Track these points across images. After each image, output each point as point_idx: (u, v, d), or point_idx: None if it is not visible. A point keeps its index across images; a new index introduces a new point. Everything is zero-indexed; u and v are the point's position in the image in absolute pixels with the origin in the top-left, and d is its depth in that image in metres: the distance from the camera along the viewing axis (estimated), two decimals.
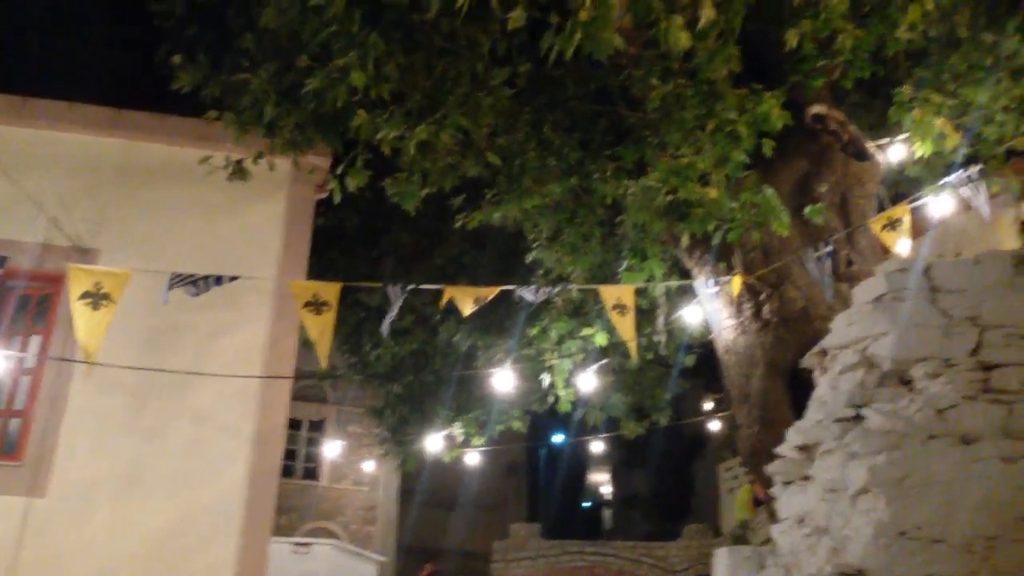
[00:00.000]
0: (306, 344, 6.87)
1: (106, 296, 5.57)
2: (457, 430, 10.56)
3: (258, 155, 6.69)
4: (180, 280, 5.86)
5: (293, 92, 6.23)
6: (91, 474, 6.54)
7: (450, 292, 6.26)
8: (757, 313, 6.45)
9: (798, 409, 5.08)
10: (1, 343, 6.70)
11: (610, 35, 4.32)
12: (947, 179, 5.61)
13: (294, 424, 19.55)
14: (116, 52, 9.74)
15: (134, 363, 6.51)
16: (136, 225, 7.23)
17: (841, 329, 4.50)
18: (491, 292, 6.21)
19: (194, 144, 7.28)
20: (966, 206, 5.90)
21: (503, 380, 7.52)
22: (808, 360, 4.93)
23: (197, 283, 5.89)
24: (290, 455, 19.51)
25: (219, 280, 5.94)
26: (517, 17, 4.58)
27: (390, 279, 9.59)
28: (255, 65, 6.33)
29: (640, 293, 7.33)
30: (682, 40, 4.55)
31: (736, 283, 6.29)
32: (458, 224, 7.53)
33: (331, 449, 18.91)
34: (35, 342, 7.06)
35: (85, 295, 5.54)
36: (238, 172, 6.79)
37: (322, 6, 5.37)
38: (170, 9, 6.89)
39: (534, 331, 8.61)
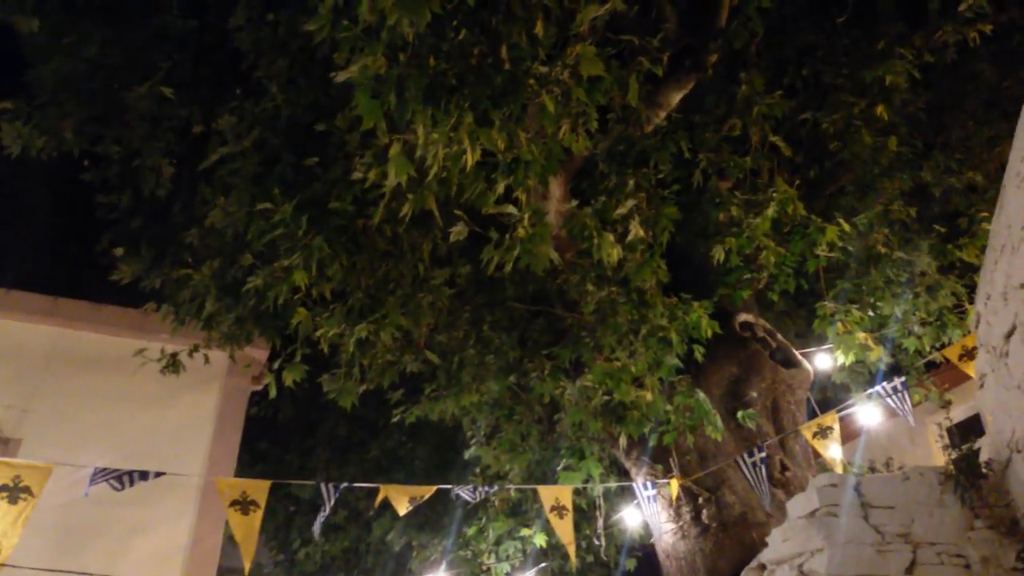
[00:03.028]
0: (231, 539, 6.57)
1: (26, 489, 5.29)
2: None
3: (194, 348, 6.65)
4: (104, 475, 5.63)
5: (234, 287, 6.27)
6: None
7: (386, 491, 6.12)
8: (696, 517, 6.41)
9: None
10: None
11: (546, 250, 4.52)
12: (873, 388, 5.82)
13: None
14: (57, 240, 9.80)
15: (48, 562, 6.12)
16: (63, 414, 7.04)
17: (777, 544, 4.49)
18: (428, 491, 6.09)
19: (130, 335, 7.24)
20: (892, 413, 6.08)
21: None
22: (747, 575, 4.87)
23: (121, 478, 5.66)
24: None
25: (144, 475, 5.73)
26: (459, 231, 4.78)
27: (324, 470, 9.37)
28: (198, 260, 6.40)
29: (579, 493, 7.26)
30: (613, 254, 4.79)
31: (674, 486, 6.28)
32: (396, 419, 7.47)
33: None
34: None
35: (3, 488, 5.26)
36: (172, 365, 6.71)
37: (269, 210, 5.52)
38: (116, 201, 7.02)
39: (471, 531, 8.38)
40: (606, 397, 6.06)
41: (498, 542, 8.14)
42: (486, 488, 6.42)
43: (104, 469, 5.60)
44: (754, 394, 6.57)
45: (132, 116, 6.67)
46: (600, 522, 7.30)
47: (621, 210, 5.60)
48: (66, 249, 9.31)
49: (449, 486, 6.13)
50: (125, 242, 6.87)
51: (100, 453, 6.18)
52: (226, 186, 6.11)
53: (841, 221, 6.02)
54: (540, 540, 7.97)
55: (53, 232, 9.89)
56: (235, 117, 6.04)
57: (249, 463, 7.32)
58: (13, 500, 5.25)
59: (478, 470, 8.05)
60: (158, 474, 5.72)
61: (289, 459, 10.04)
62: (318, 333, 6.02)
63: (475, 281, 6.85)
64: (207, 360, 6.67)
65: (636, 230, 4.79)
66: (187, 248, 6.50)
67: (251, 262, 6.04)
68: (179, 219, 6.87)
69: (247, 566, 5.69)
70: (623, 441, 6.45)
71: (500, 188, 4.67)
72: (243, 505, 5.63)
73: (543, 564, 8.46)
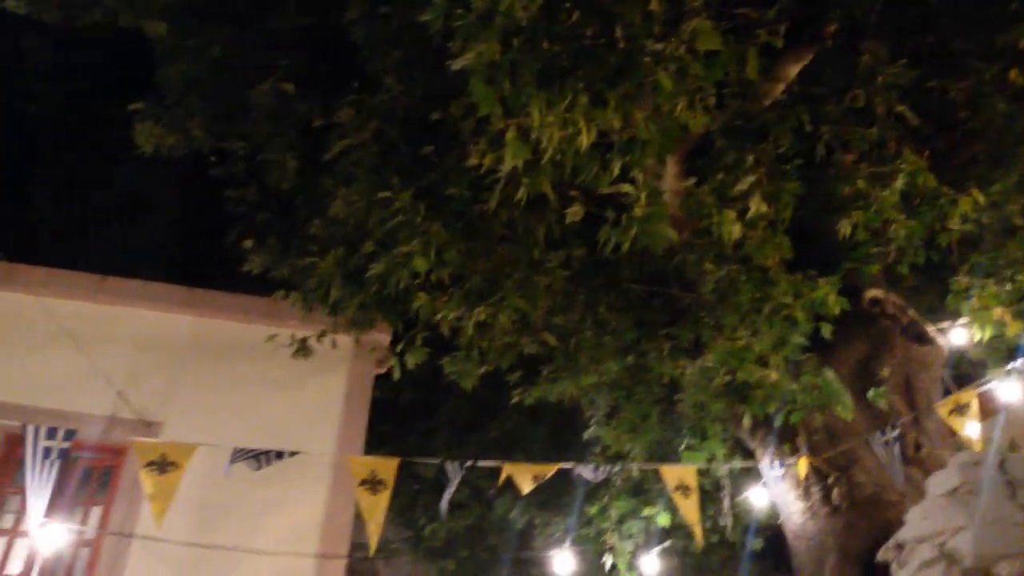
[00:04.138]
0: (359, 517, 6.83)
1: (172, 464, 5.65)
2: None
3: (322, 333, 6.93)
4: (243, 454, 5.94)
5: (357, 275, 6.49)
6: None
7: (509, 469, 6.22)
8: (826, 497, 6.25)
9: None
10: (64, 515, 6.77)
11: (664, 229, 4.46)
12: (1012, 364, 5.53)
13: None
14: (189, 235, 10.32)
15: (189, 535, 6.51)
16: (201, 399, 7.40)
17: (916, 522, 4.34)
18: (550, 469, 6.16)
19: (262, 322, 7.56)
20: None
21: (562, 562, 7.28)
22: (884, 554, 4.72)
23: (258, 457, 5.97)
24: None
25: (280, 455, 6.01)
26: (575, 212, 4.79)
27: (445, 452, 9.58)
28: (322, 249, 6.64)
29: (702, 473, 7.19)
30: (734, 232, 4.70)
31: (803, 466, 6.14)
32: (515, 400, 7.57)
33: None
34: (95, 513, 7.11)
35: (151, 464, 5.62)
36: (302, 350, 7.01)
37: (389, 199, 5.67)
38: (243, 195, 7.34)
39: (594, 510, 8.42)
40: (728, 377, 5.97)
41: (621, 521, 8.16)
42: (608, 467, 6.43)
43: (242, 449, 5.91)
44: (885, 372, 6.34)
45: (256, 113, 6.96)
46: (725, 502, 7.21)
47: (741, 186, 5.47)
48: (199, 243, 9.80)
49: (571, 465, 6.18)
50: (253, 234, 7.19)
51: (237, 434, 6.50)
52: (347, 177, 6.31)
53: (975, 192, 5.71)
54: (664, 520, 7.95)
55: (186, 227, 10.44)
56: (353, 110, 6.21)
57: (374, 445, 7.55)
58: (162, 471, 5.61)
59: (598, 450, 8.07)
60: (292, 453, 5.98)
61: (411, 440, 10.32)
62: (438, 317, 6.17)
63: (590, 263, 6.84)
64: (334, 344, 6.94)
65: (757, 206, 4.69)
66: (311, 238, 6.75)
67: (372, 249, 6.22)
68: (302, 211, 7.14)
69: (373, 543, 5.90)
70: (747, 421, 6.36)
71: (616, 168, 4.64)
72: (372, 484, 5.83)
73: (667, 543, 8.43)
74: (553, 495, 9.45)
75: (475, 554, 10.85)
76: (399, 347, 6.62)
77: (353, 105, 6.19)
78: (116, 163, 9.48)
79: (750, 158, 5.70)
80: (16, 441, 6.94)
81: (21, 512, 7.03)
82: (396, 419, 10.51)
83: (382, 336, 7.49)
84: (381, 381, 8.22)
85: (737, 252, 5.76)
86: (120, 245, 10.15)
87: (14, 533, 7.00)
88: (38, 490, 5.41)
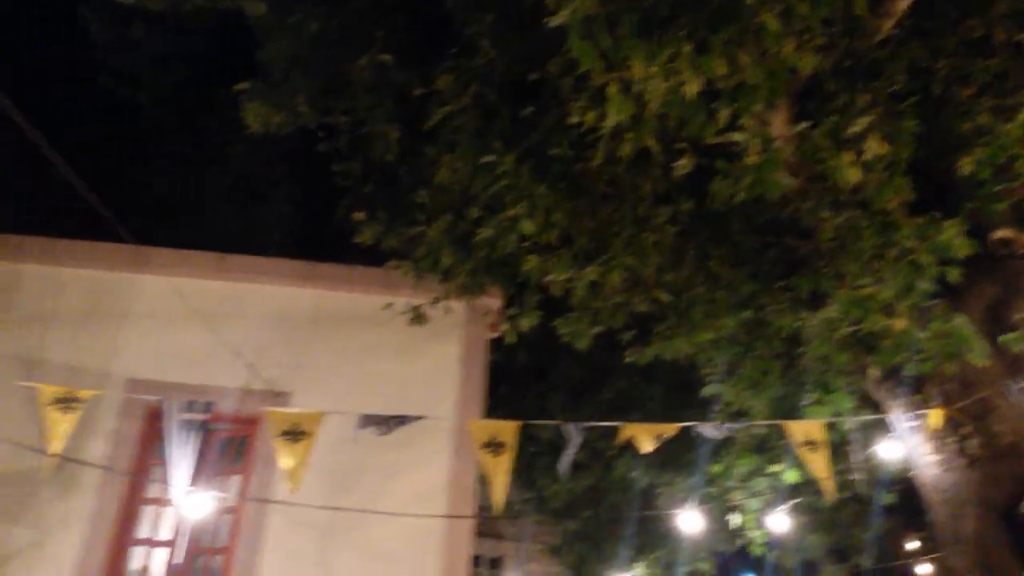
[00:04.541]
0: (482, 479, 6.95)
1: (303, 433, 5.85)
2: (640, 571, 10.19)
3: (435, 300, 7.03)
4: (369, 420, 6.10)
5: (466, 241, 6.55)
6: None
7: (629, 429, 6.17)
8: (962, 448, 5.98)
9: (1019, 552, 4.62)
10: (206, 484, 7.15)
11: (779, 176, 4.30)
12: None
13: (473, 561, 19.36)
14: (303, 210, 10.64)
15: (322, 500, 6.78)
16: (326, 368, 7.65)
17: None
18: (671, 429, 6.06)
19: (377, 292, 7.73)
20: None
21: (688, 520, 7.22)
22: None
23: (384, 423, 6.11)
24: None
25: (403, 420, 6.14)
26: (684, 165, 4.66)
27: (560, 413, 9.62)
28: (429, 217, 6.72)
29: (829, 427, 6.98)
30: (851, 175, 4.48)
31: (936, 416, 5.87)
32: (628, 360, 7.51)
33: None
34: (234, 481, 7.48)
35: (284, 432, 5.83)
36: (417, 317, 7.14)
37: (492, 163, 5.67)
38: (349, 169, 7.48)
39: (717, 468, 8.30)
40: (852, 328, 5.75)
41: (746, 479, 8.02)
42: (732, 425, 6.31)
43: (369, 415, 6.07)
44: (1019, 316, 5.97)
45: (357, 87, 7.05)
46: (855, 455, 6.98)
47: (855, 128, 5.20)
48: (312, 217, 10.09)
49: (693, 424, 6.07)
50: (362, 207, 7.34)
51: (361, 402, 6.69)
52: (449, 144, 6.34)
53: None
54: (792, 476, 7.77)
55: (299, 203, 10.77)
56: (451, 76, 6.22)
57: (492, 408, 7.66)
58: (295, 440, 5.82)
59: (718, 408, 7.94)
60: (416, 418, 6.10)
61: (527, 403, 10.41)
62: (548, 278, 6.17)
63: (699, 217, 6.67)
64: (448, 311, 7.06)
65: (875, 147, 4.44)
66: (418, 207, 6.84)
67: (479, 214, 6.26)
68: (407, 180, 7.23)
69: (499, 506, 5.98)
70: (874, 372, 6.12)
71: (724, 117, 4.49)
72: (494, 447, 5.90)
73: (796, 500, 8.25)
74: (673, 455, 9.38)
75: (597, 514, 10.91)
76: (511, 311, 6.66)
77: (451, 72, 6.20)
78: (228, 144, 9.84)
79: (863, 98, 5.40)
80: (157, 416, 7.36)
81: (166, 482, 7.49)
82: (512, 382, 10.62)
83: (494, 300, 7.56)
84: (496, 345, 8.31)
85: (855, 197, 5.50)
86: (238, 224, 10.57)
87: (160, 502, 7.45)
88: (181, 461, 5.71)
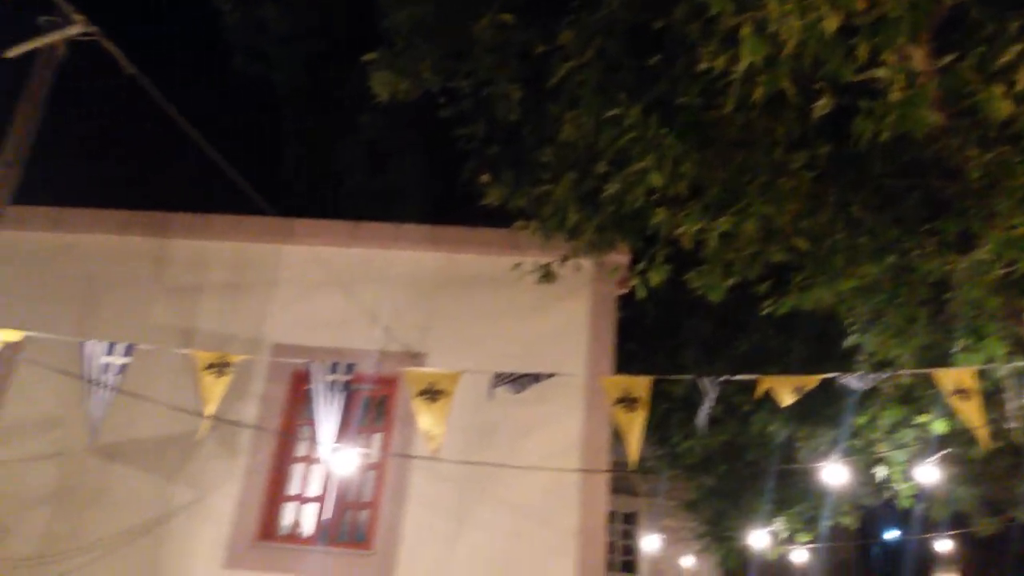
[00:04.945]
0: (616, 435, 6.97)
1: (441, 392, 5.99)
2: (780, 525, 10.01)
3: (563, 258, 7.03)
4: (503, 379, 6.19)
5: (592, 197, 6.50)
6: (430, 562, 6.97)
7: (767, 382, 6.03)
8: None
9: None
10: (351, 442, 7.46)
11: (925, 112, 4.06)
12: None
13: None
14: (429, 176, 10.81)
15: (460, 456, 6.97)
16: (458, 329, 7.82)
17: None
18: (812, 380, 5.87)
19: (505, 252, 7.81)
20: None
21: (832, 473, 7.02)
22: None
23: (517, 381, 6.18)
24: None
25: (538, 377, 6.19)
26: (823, 105, 4.46)
27: (692, 369, 9.50)
28: (555, 176, 6.70)
29: (981, 375, 6.61)
30: (1002, 109, 4.17)
31: None
32: (765, 312, 7.31)
33: (649, 543, 18.59)
34: (376, 439, 7.78)
35: (422, 392, 5.99)
36: (546, 276, 7.17)
37: (618, 116, 5.59)
38: (473, 132, 7.52)
39: (862, 420, 8.02)
40: (1005, 269, 5.40)
41: (892, 430, 7.72)
42: (876, 375, 6.05)
43: (502, 373, 6.16)
44: None
45: (478, 49, 7.06)
46: (1009, 405, 6.60)
47: (1005, 58, 4.83)
48: (439, 182, 10.26)
49: (835, 375, 5.87)
50: (487, 169, 7.38)
51: (493, 361, 6.80)
52: (573, 100, 6.28)
53: None
54: (940, 427, 7.43)
55: (426, 168, 10.95)
56: (573, 31, 6.13)
57: (622, 364, 7.63)
58: (433, 399, 5.97)
59: (862, 358, 7.64)
60: (548, 376, 6.16)
61: (657, 359, 10.33)
62: (679, 231, 6.05)
63: (837, 160, 6.38)
64: (577, 268, 7.06)
65: None
66: (543, 166, 6.82)
67: (605, 170, 6.18)
68: (531, 140, 7.21)
69: (634, 460, 5.98)
70: None
71: (863, 53, 4.26)
72: (627, 402, 5.89)
73: (945, 451, 7.88)
74: (813, 407, 9.12)
75: (734, 469, 10.75)
76: (641, 266, 6.58)
77: (573, 26, 6.12)
78: (358, 115, 10.08)
79: (1013, 26, 5.01)
80: (302, 378, 7.72)
81: (313, 441, 7.85)
82: (641, 339, 10.55)
83: (622, 256, 7.50)
84: (624, 301, 8.26)
85: (1006, 131, 5.13)
86: (369, 192, 10.86)
87: (309, 460, 7.82)
88: (326, 420, 5.95)
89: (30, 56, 6.39)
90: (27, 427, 7.77)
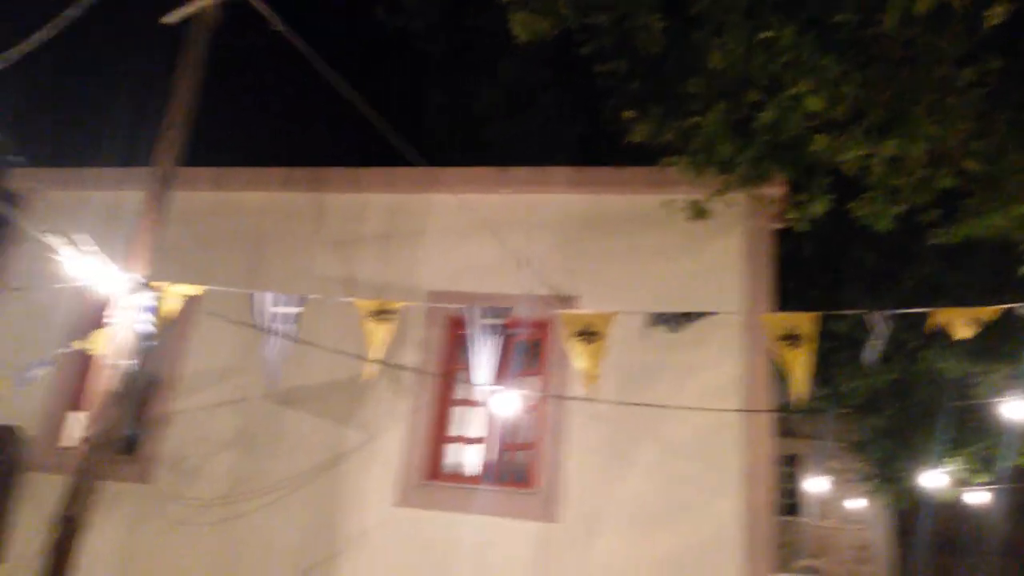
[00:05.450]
0: (777, 375, 6.77)
1: (596, 333, 5.95)
2: (955, 466, 9.51)
3: (714, 193, 6.82)
4: (657, 318, 6.08)
5: (745, 127, 6.26)
6: (592, 501, 7.04)
7: (941, 315, 5.65)
8: None
9: None
10: (508, 384, 7.60)
11: None
12: None
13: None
14: (571, 117, 10.69)
15: (616, 398, 6.97)
16: (607, 271, 7.75)
17: None
18: (990, 312, 5.44)
19: (651, 191, 7.66)
20: None
21: (1013, 410, 6.58)
22: None
23: (672, 321, 6.06)
24: None
25: (691, 317, 6.04)
26: (997, 14, 4.10)
27: (855, 305, 9.09)
28: (703, 107, 6.48)
29: None
30: None
31: None
32: (935, 241, 6.87)
33: (815, 485, 18.16)
34: (531, 382, 7.87)
35: (577, 334, 5.97)
36: (698, 212, 6.98)
37: (770, 39, 5.33)
38: (615, 68, 7.36)
39: None
40: None
41: None
42: None
43: (657, 313, 6.05)
44: None
45: None
46: None
47: None
48: (582, 123, 10.14)
49: (1015, 305, 5.44)
50: (630, 105, 7.21)
51: (645, 301, 6.74)
52: (719, 26, 6.04)
53: None
54: None
55: (566, 109, 10.84)
56: None
57: (779, 303, 7.34)
58: (588, 341, 5.95)
59: None
60: (706, 315, 6.01)
61: (815, 295, 9.92)
62: (840, 158, 5.77)
63: (1010, 75, 5.86)
64: (729, 203, 6.83)
65: None
66: (690, 97, 6.61)
67: (757, 98, 5.95)
68: (676, 72, 6.99)
69: (803, 398, 5.76)
70: None
71: None
72: (790, 340, 5.69)
73: None
74: (990, 343, 8.53)
75: (904, 408, 10.25)
76: (799, 197, 6.31)
77: None
78: (496, 60, 10.07)
79: None
80: (458, 323, 7.90)
81: (472, 384, 8.05)
82: (798, 276, 10.15)
83: (778, 188, 7.18)
84: (779, 236, 7.95)
85: None
86: (512, 136, 10.88)
87: (469, 403, 8.04)
88: (484, 364, 6.07)
89: (186, 22, 6.68)
90: (209, 376, 8.36)
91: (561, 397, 7.29)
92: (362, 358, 6.27)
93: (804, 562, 19.42)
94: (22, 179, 9.42)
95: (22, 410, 8.05)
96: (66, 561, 5.09)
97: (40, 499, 6.53)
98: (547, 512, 7.07)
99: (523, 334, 7.87)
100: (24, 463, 5.48)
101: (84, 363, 8.48)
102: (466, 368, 7.99)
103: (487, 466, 7.58)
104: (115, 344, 5.70)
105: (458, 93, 11.38)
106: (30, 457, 5.84)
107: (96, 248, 5.69)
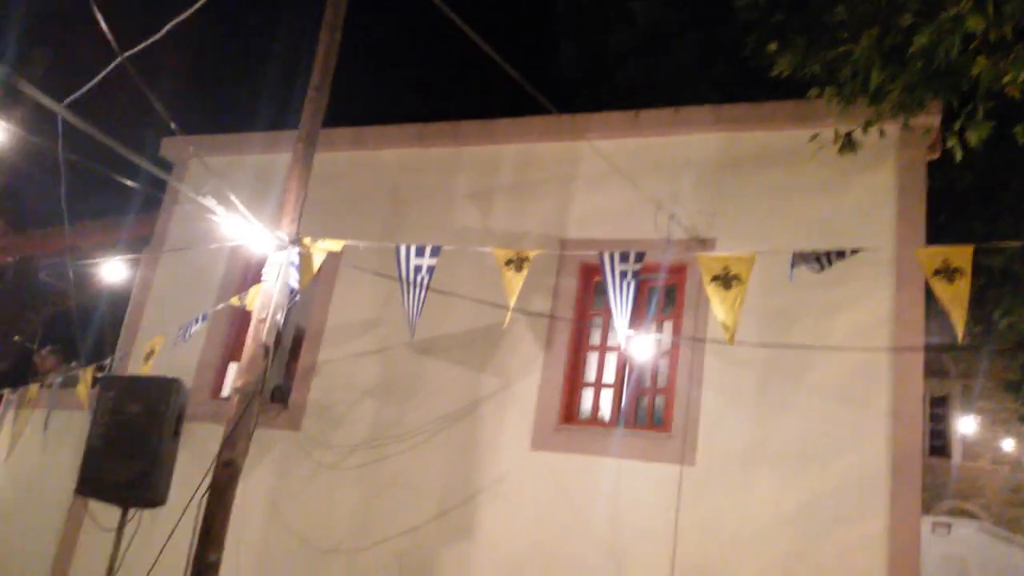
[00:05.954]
0: (927, 313, 6.44)
1: (735, 277, 5.73)
2: None
3: (867, 124, 6.44)
4: (802, 258, 5.80)
5: (898, 53, 5.88)
6: (731, 444, 6.94)
7: None
8: None
9: None
10: (643, 329, 7.55)
11: None
12: None
13: None
14: (707, 56, 10.30)
15: (757, 340, 6.80)
16: (746, 212, 7.52)
17: None
18: None
19: (793, 126, 7.35)
20: None
21: None
22: None
23: (818, 260, 5.76)
24: None
25: (841, 255, 5.73)
26: None
27: (1013, 238, 8.52)
28: (853, 34, 6.12)
29: None
30: None
31: None
32: None
33: (964, 425, 17.38)
34: (667, 328, 7.81)
35: (715, 278, 5.79)
36: (847, 145, 6.64)
37: None
38: (755, 1, 7.04)
39: None
40: None
41: None
42: None
43: (802, 253, 5.78)
44: None
45: None
46: None
47: None
48: (716, 62, 9.78)
49: None
50: (772, 38, 6.89)
51: (789, 240, 6.47)
52: None
53: None
54: None
55: (703, 49, 10.45)
56: None
57: (931, 238, 6.90)
58: (727, 286, 5.77)
59: None
60: (853, 251, 5.69)
61: (971, 227, 9.33)
62: (1004, 81, 5.34)
63: None
64: (882, 134, 6.48)
65: None
66: (839, 25, 6.26)
67: (912, 21, 5.57)
68: (820, 0, 6.62)
69: (960, 334, 5.44)
70: None
71: None
72: (947, 273, 5.36)
73: None
74: None
75: None
76: (957, 124, 5.90)
77: None
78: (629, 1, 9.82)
79: None
80: (591, 270, 7.89)
81: (606, 330, 8.04)
82: (950, 209, 9.56)
83: (933, 117, 6.74)
84: (932, 168, 7.48)
85: None
86: (647, 79, 10.61)
87: (603, 348, 8.05)
88: (620, 309, 6.01)
89: None
90: (353, 328, 8.68)
91: (698, 340, 7.17)
92: (499, 306, 6.35)
93: (951, 503, 18.71)
94: (180, 146, 9.96)
95: (185, 364, 8.64)
96: (225, 503, 5.45)
97: (198, 446, 7.01)
98: (684, 455, 7.03)
99: (659, 279, 7.78)
100: (185, 413, 5.87)
101: (239, 318, 8.98)
102: (600, 314, 8.00)
103: (623, 410, 7.59)
104: (265, 299, 5.97)
105: (591, 37, 11.16)
106: (191, 407, 6.24)
107: (247, 209, 5.95)
